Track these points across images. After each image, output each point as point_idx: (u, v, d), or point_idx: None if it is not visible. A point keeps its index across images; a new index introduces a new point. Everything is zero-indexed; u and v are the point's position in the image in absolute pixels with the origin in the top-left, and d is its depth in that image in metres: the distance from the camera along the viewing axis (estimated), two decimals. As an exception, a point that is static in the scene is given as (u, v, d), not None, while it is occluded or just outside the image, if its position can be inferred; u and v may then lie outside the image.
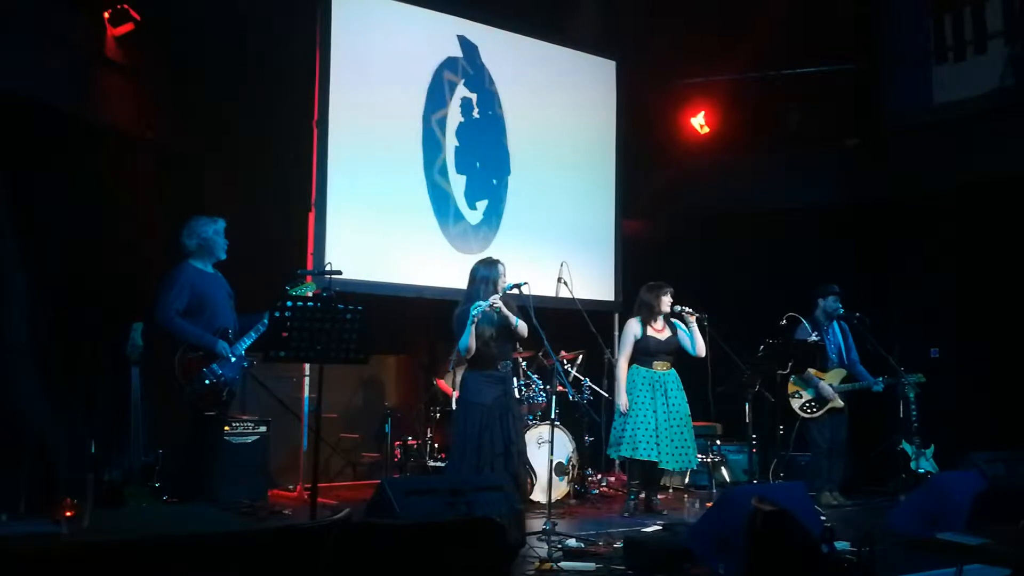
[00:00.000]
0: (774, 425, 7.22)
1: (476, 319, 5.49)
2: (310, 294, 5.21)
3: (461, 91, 8.00)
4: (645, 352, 6.46)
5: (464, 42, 8.07)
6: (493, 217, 8.11)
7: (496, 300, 5.52)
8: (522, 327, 5.59)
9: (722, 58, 9.15)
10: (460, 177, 7.95)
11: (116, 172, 6.36)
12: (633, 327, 6.51)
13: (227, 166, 6.95)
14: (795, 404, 7.09)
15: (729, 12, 8.82)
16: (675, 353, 6.53)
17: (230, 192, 6.83)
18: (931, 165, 8.34)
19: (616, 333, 8.32)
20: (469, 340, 5.52)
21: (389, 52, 7.59)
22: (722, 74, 9.34)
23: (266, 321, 5.10)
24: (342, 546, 2.81)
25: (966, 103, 8.14)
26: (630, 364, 6.51)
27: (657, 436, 6.27)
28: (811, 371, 7.04)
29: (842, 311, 7.18)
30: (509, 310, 5.58)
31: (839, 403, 7.06)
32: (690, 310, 6.41)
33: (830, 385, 7.05)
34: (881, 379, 7.11)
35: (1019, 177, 7.55)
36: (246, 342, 5.25)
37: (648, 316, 6.50)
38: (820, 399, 7.05)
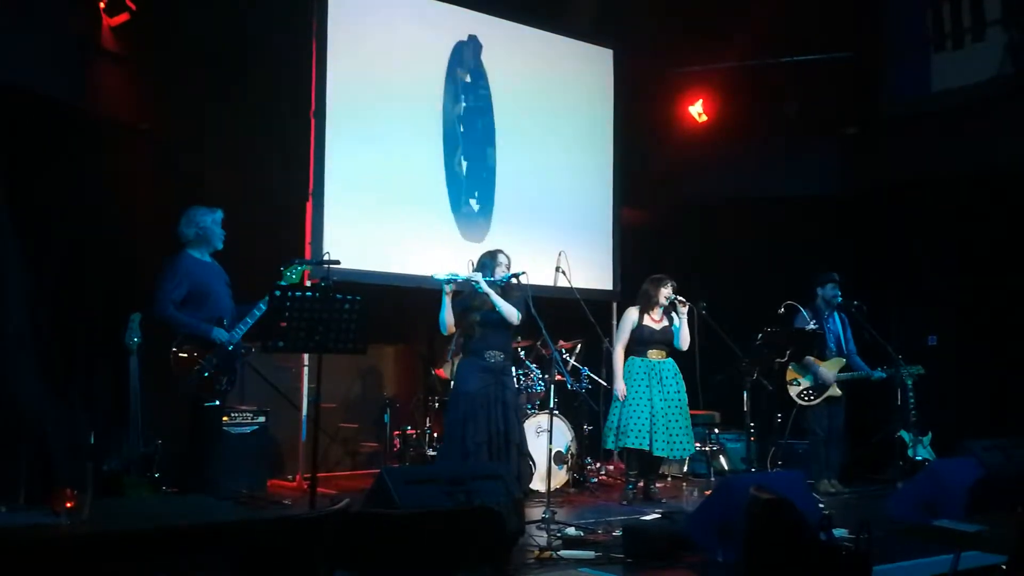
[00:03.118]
0: (772, 413, 7.25)
1: (448, 292, 5.51)
2: (305, 272, 5.21)
3: (463, 79, 7.97)
4: (640, 341, 6.50)
5: (459, 29, 8.03)
6: (489, 205, 8.09)
7: (476, 276, 5.53)
8: (508, 311, 5.56)
9: (720, 46, 9.12)
10: (463, 166, 7.93)
11: (113, 163, 6.35)
12: (631, 315, 6.55)
13: (225, 156, 6.93)
14: (793, 392, 7.11)
15: (727, 0, 8.80)
16: (671, 343, 6.55)
17: (228, 182, 6.81)
18: (929, 153, 8.33)
19: (614, 322, 8.32)
20: (445, 316, 5.56)
21: (385, 40, 7.56)
22: (720, 62, 9.32)
23: (262, 306, 5.09)
24: (341, 535, 2.82)
25: (964, 91, 8.13)
26: (627, 354, 6.54)
27: (652, 425, 6.30)
28: (810, 358, 7.05)
29: (840, 299, 7.17)
30: (509, 299, 5.58)
31: (836, 391, 7.07)
32: (682, 299, 6.42)
33: (828, 378, 7.06)
34: (880, 369, 7.12)
35: (1017, 164, 7.55)
36: (242, 329, 5.22)
37: (646, 306, 6.53)
38: (818, 387, 7.06)
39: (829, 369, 7.07)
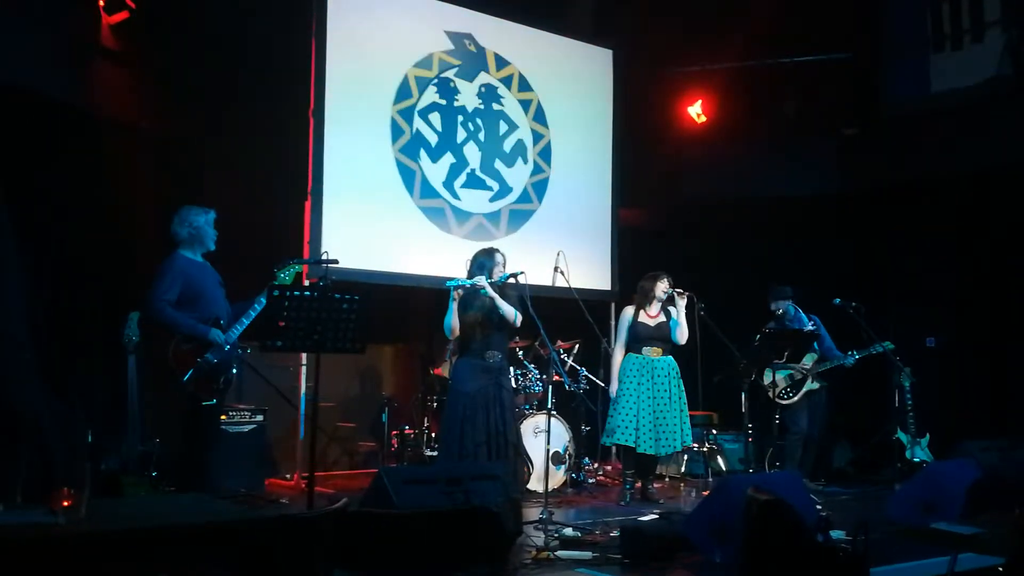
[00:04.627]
0: (770, 414, 7.25)
1: (456, 297, 5.52)
2: (304, 269, 5.21)
3: (455, 80, 7.96)
4: (636, 338, 6.48)
5: (458, 30, 8.03)
6: (487, 205, 8.08)
7: (481, 280, 5.53)
8: (509, 311, 5.57)
9: (719, 47, 9.13)
10: (460, 165, 7.93)
11: (112, 161, 6.35)
12: (627, 313, 6.55)
13: (224, 154, 6.93)
14: (771, 393, 7.15)
15: (726, 0, 8.81)
16: (668, 340, 6.53)
17: (228, 180, 6.82)
18: (929, 153, 8.34)
19: (612, 322, 8.33)
20: (451, 320, 5.56)
21: (384, 39, 7.56)
22: (719, 63, 9.32)
23: (257, 307, 5.09)
24: (339, 535, 2.82)
25: (963, 91, 8.14)
26: (625, 351, 6.53)
27: (637, 422, 6.27)
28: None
29: (780, 310, 7.21)
30: (507, 300, 5.58)
31: (814, 385, 7.13)
32: (680, 290, 6.41)
33: (804, 369, 7.11)
34: (852, 352, 7.15)
35: (1016, 165, 7.56)
36: (239, 328, 5.20)
37: (643, 301, 6.52)
38: (796, 383, 7.10)
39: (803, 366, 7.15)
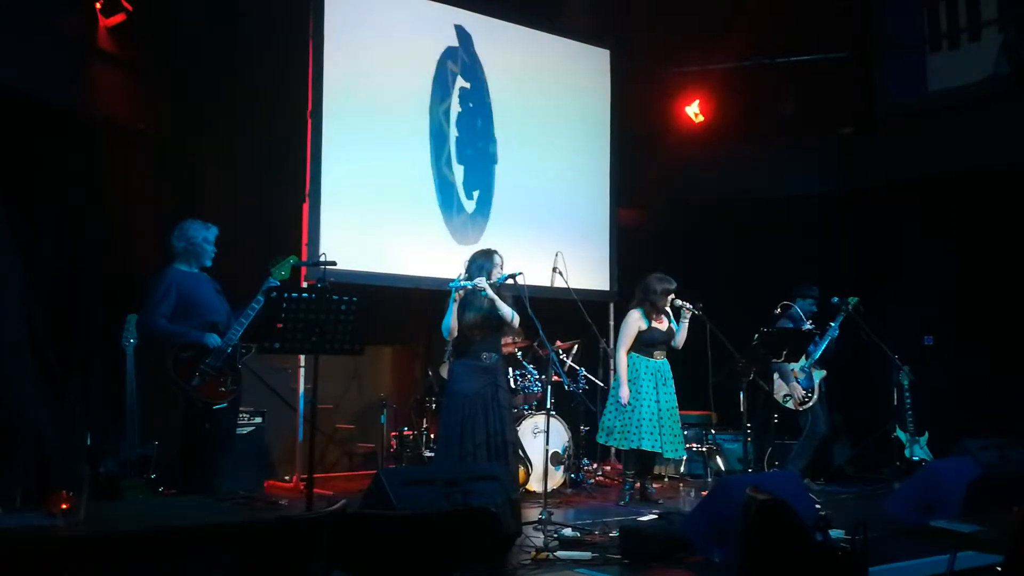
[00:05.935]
0: (769, 414, 7.25)
1: (457, 298, 5.52)
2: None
3: (458, 80, 7.97)
4: (649, 343, 6.49)
5: (459, 31, 8.03)
6: (485, 206, 8.08)
7: (481, 282, 5.53)
8: (507, 311, 5.58)
9: (717, 46, 9.12)
10: (459, 167, 7.93)
11: (110, 164, 6.34)
12: (638, 320, 6.50)
13: (222, 156, 6.92)
14: (791, 404, 7.12)
15: (723, 0, 8.81)
16: (670, 343, 6.57)
17: (225, 183, 6.81)
18: (926, 152, 8.34)
19: (611, 323, 8.33)
20: (451, 321, 5.57)
21: (382, 41, 7.55)
22: (717, 62, 9.32)
23: (255, 306, 5.07)
24: (338, 537, 2.82)
25: (960, 90, 8.15)
26: (629, 353, 6.53)
27: (660, 427, 6.30)
28: (781, 364, 7.09)
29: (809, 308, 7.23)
30: (504, 300, 5.59)
31: (821, 371, 7.15)
32: (689, 306, 6.40)
33: (801, 368, 7.12)
34: (830, 324, 7.15)
35: (1013, 164, 7.57)
36: (238, 330, 5.17)
37: (651, 310, 6.51)
38: (809, 386, 7.10)
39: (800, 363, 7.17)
